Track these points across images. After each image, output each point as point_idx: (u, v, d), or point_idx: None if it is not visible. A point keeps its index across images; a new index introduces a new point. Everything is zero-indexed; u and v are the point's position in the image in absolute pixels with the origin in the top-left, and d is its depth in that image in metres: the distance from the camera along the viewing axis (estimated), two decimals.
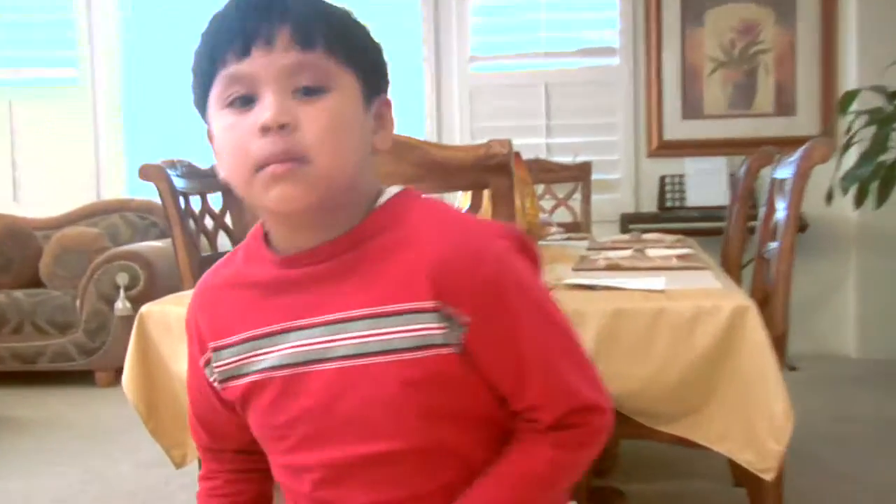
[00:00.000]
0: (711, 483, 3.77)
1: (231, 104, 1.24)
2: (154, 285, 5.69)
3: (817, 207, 5.17)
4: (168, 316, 2.54)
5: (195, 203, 3.33)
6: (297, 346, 1.30)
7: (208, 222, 3.43)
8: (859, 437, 4.44)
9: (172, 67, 6.65)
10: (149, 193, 3.61)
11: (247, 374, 1.35)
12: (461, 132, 6.61)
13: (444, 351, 1.25)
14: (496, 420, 1.35)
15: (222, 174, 1.31)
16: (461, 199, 3.07)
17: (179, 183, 3.21)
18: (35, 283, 6.21)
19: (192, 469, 3.02)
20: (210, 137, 1.34)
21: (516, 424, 1.34)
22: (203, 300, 1.44)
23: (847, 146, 4.72)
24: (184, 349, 2.47)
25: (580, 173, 5.39)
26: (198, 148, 3.33)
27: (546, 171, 5.15)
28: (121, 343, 5.46)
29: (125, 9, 6.87)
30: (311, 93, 1.21)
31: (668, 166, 6.50)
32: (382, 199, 1.32)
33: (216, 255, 3.39)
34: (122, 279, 5.79)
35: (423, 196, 1.37)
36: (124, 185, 6.84)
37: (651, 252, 3.44)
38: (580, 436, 1.33)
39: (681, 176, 6.42)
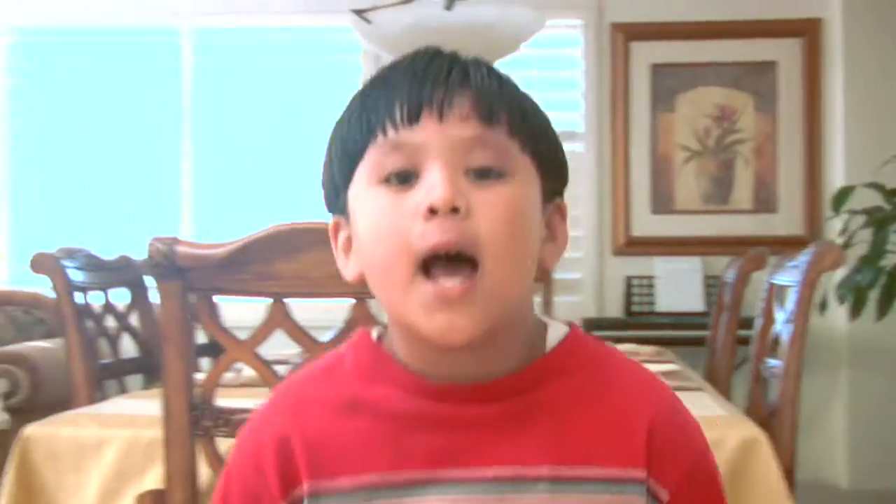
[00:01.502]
0: None
1: (387, 180, 1.11)
2: (39, 394, 5.42)
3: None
4: (57, 440, 2.41)
5: (95, 299, 3.20)
6: (446, 503, 1.12)
7: (110, 323, 3.29)
8: None
9: (71, 146, 6.64)
10: (35, 284, 3.42)
11: None
12: None
13: None
14: None
15: (359, 273, 1.18)
16: None
17: (77, 276, 3.08)
18: None
19: None
20: (337, 231, 1.23)
21: None
22: (302, 421, 1.18)
23: (843, 249, 4.64)
24: (74, 482, 2.35)
25: (539, 273, 5.26)
26: (98, 237, 3.26)
27: None
28: None
29: (14, 76, 6.79)
30: (487, 175, 1.10)
31: (636, 266, 6.44)
32: (556, 334, 1.20)
33: (117, 363, 3.24)
34: (0, 385, 5.55)
35: (590, 336, 1.24)
36: (6, 276, 6.67)
37: None
38: None
39: (650, 277, 6.35)
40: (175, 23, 6.62)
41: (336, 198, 1.19)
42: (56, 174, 6.72)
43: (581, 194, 6.44)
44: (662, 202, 6.48)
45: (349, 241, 1.19)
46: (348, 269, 1.19)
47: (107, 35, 6.68)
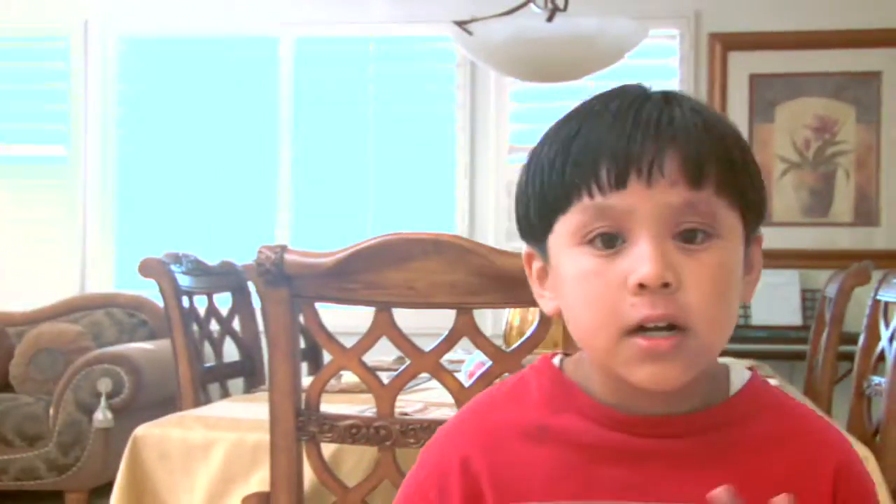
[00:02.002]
0: None
1: (591, 241, 1.09)
2: (141, 394, 5.46)
3: None
4: (168, 441, 2.44)
5: (202, 303, 3.25)
6: None
7: (214, 327, 3.33)
8: None
9: (174, 151, 6.71)
10: (139, 287, 3.43)
11: None
12: (496, 232, 6.53)
13: None
14: None
15: (556, 308, 1.18)
16: (512, 316, 2.92)
17: (184, 280, 3.12)
18: (3, 386, 6.04)
19: None
20: (530, 261, 1.22)
21: None
22: (487, 443, 1.17)
23: None
24: (182, 482, 2.38)
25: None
26: (198, 241, 3.28)
27: None
28: (98, 460, 5.35)
29: (124, 81, 6.84)
30: (695, 239, 1.07)
31: None
32: (739, 377, 1.19)
33: (221, 366, 3.28)
34: (104, 385, 5.54)
35: (764, 380, 1.23)
36: (112, 278, 6.70)
37: None
38: None
39: None
40: (275, 31, 6.67)
41: (531, 235, 1.18)
42: (161, 179, 6.78)
43: None
44: None
45: (544, 270, 1.19)
46: (545, 301, 1.20)
47: (211, 44, 6.75)
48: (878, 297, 3.12)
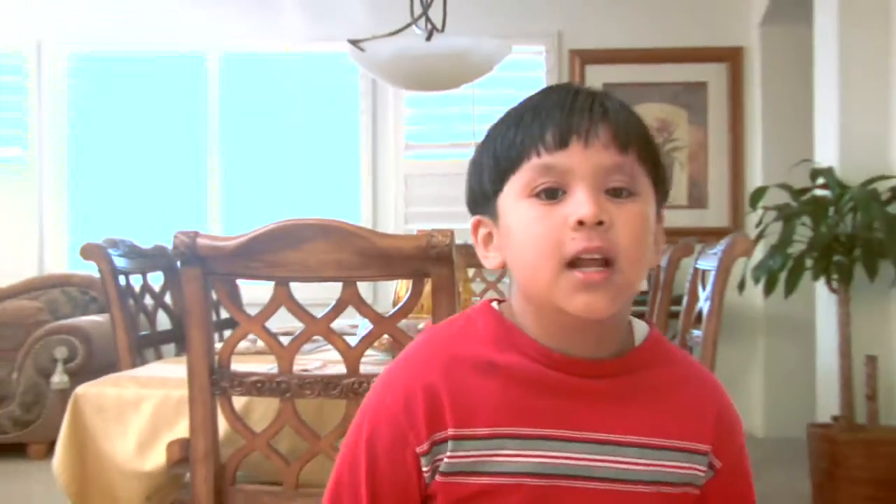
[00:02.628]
0: None
1: (537, 195, 1.15)
2: (92, 359, 5.50)
3: (729, 296, 5.11)
4: (104, 397, 2.42)
5: (137, 282, 3.22)
6: (557, 456, 1.17)
7: (148, 301, 3.30)
8: None
9: (117, 153, 6.69)
10: (91, 269, 3.41)
11: (486, 474, 1.17)
12: (396, 217, 6.57)
13: (694, 491, 1.23)
14: None
15: (501, 261, 1.22)
16: (399, 287, 2.93)
17: (120, 262, 3.10)
18: None
19: None
20: (477, 228, 1.26)
21: None
22: (451, 375, 1.19)
23: (758, 239, 4.67)
24: (120, 432, 2.37)
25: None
26: (137, 228, 3.28)
27: (476, 257, 5.04)
28: (56, 416, 5.20)
29: (74, 91, 6.79)
30: (621, 194, 1.14)
31: None
32: (641, 330, 1.26)
33: (154, 335, 3.26)
34: (60, 353, 5.58)
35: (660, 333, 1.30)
36: (66, 261, 6.64)
37: None
38: None
39: None
40: (203, 48, 6.65)
41: (484, 202, 1.23)
42: (106, 176, 6.76)
43: None
44: None
45: (489, 236, 1.23)
46: (489, 260, 1.23)
47: (148, 60, 6.70)
48: (697, 266, 3.18)
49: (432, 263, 1.94)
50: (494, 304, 1.26)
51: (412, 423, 1.18)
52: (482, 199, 1.23)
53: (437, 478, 1.18)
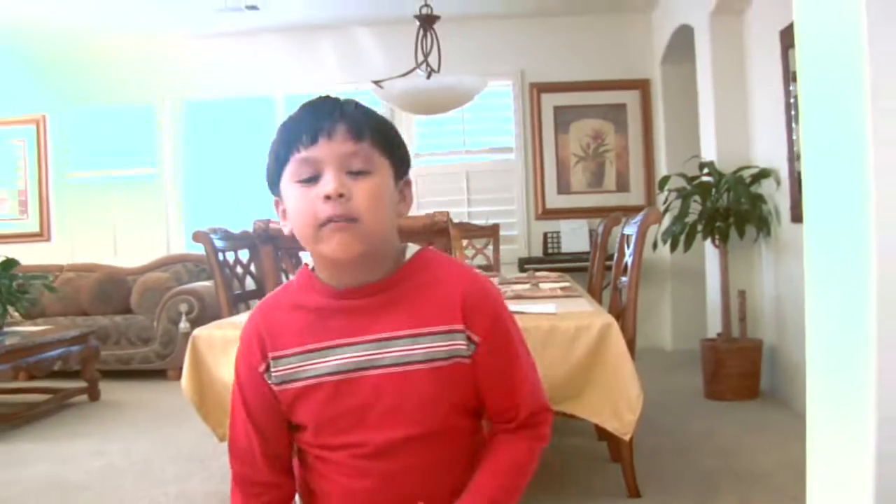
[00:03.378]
0: (583, 439, 3.67)
1: (301, 180, 1.14)
2: (205, 311, 5.55)
3: (646, 253, 5.13)
4: (213, 337, 2.44)
5: (231, 257, 3.21)
6: (348, 357, 1.17)
7: (239, 270, 3.30)
8: (678, 403, 4.42)
9: (215, 168, 6.61)
10: (200, 249, 3.43)
11: (302, 379, 1.19)
12: (414, 205, 6.44)
13: (465, 361, 1.18)
14: (474, 414, 1.27)
15: (291, 229, 1.20)
16: None
17: (219, 244, 3.09)
18: (127, 310, 6.08)
19: None
20: (277, 205, 1.23)
21: (493, 428, 1.26)
22: (266, 318, 1.24)
23: (665, 212, 4.66)
24: (225, 360, 2.37)
25: (491, 232, 5.31)
26: (231, 220, 3.27)
27: (468, 231, 5.06)
28: (183, 351, 5.29)
29: (187, 127, 6.77)
30: (360, 173, 1.13)
31: (549, 226, 6.42)
32: (410, 252, 1.23)
33: (244, 293, 3.25)
34: (183, 308, 5.67)
35: (433, 250, 1.28)
36: (184, 245, 6.61)
37: (543, 286, 3.33)
38: (540, 430, 1.27)
39: (557, 232, 6.32)
40: (271, 93, 6.61)
41: (274, 187, 1.21)
42: (209, 186, 6.73)
43: (514, 184, 6.44)
44: (563, 187, 6.44)
45: (284, 211, 1.21)
46: (285, 228, 1.21)
47: (233, 102, 6.67)
48: (623, 232, 3.17)
49: (435, 235, 1.93)
50: (308, 265, 1.26)
51: (252, 357, 1.23)
52: (273, 185, 1.22)
53: (275, 388, 1.21)
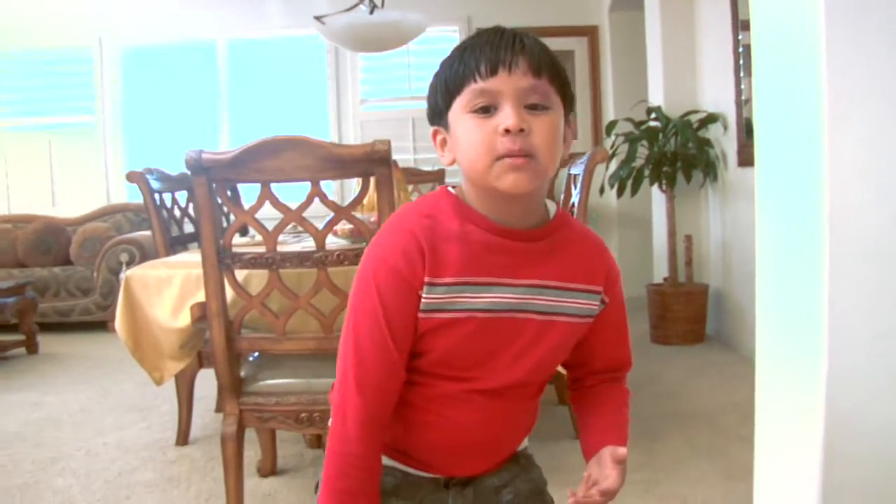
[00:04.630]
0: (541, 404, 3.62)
1: (476, 111, 1.08)
2: (146, 260, 5.32)
3: (592, 199, 5.11)
4: (147, 277, 2.33)
5: (168, 199, 3.09)
6: (503, 297, 1.12)
7: (177, 213, 3.18)
8: None
9: (155, 113, 6.44)
10: (142, 199, 3.28)
11: (452, 311, 1.11)
12: None
13: (590, 321, 1.20)
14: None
15: (453, 160, 1.14)
16: (355, 186, 2.83)
17: (155, 184, 2.96)
18: (67, 262, 5.95)
19: (169, 385, 2.86)
20: (435, 135, 1.17)
21: (589, 381, 1.30)
22: (428, 237, 1.11)
23: (611, 157, 4.62)
24: (159, 301, 2.27)
25: (437, 177, 5.21)
26: (170, 164, 3.13)
27: (415, 175, 4.96)
28: None
29: (126, 73, 6.54)
30: (538, 108, 1.08)
31: None
32: (552, 208, 1.19)
33: (181, 236, 3.13)
34: (124, 257, 5.55)
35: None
36: (125, 194, 6.42)
37: None
38: (625, 381, 1.32)
39: None
40: (214, 35, 6.41)
41: (438, 116, 1.15)
42: (147, 132, 6.54)
43: None
44: None
45: (444, 141, 1.15)
46: (445, 158, 1.15)
47: (175, 48, 6.47)
48: (570, 172, 3.10)
49: (376, 165, 1.84)
50: (451, 189, 1.18)
51: (412, 270, 1.10)
52: (437, 113, 1.15)
53: (420, 315, 1.12)
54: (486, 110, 1.07)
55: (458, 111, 1.10)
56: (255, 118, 6.46)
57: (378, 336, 1.11)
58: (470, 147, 1.08)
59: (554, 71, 1.09)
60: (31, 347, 4.96)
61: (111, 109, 6.50)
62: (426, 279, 1.10)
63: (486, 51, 1.07)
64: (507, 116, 1.05)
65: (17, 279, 5.15)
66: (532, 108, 1.07)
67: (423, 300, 1.10)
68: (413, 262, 1.10)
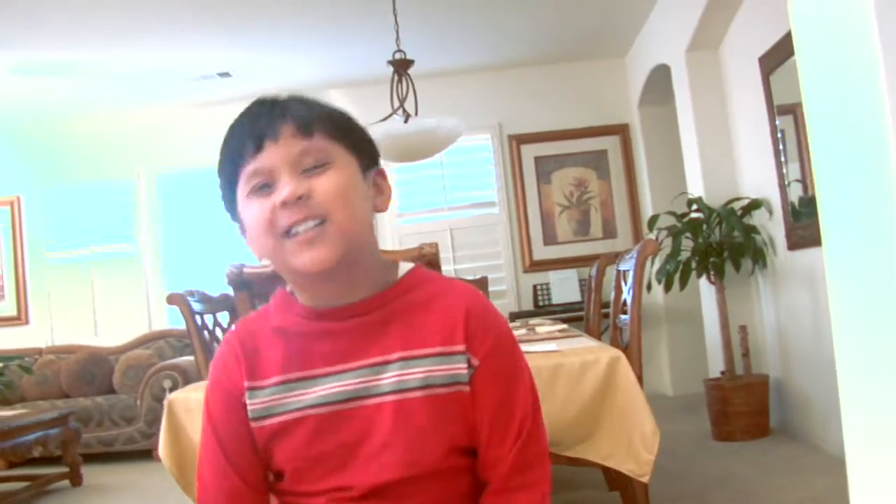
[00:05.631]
0: (594, 491, 3.48)
1: (255, 192, 1.00)
2: (188, 384, 5.33)
3: None
4: (190, 400, 2.25)
5: (210, 321, 3.03)
6: (336, 387, 1.00)
7: (218, 334, 3.11)
8: (686, 448, 4.22)
9: (193, 238, 6.52)
10: (183, 325, 3.24)
11: (282, 413, 1.02)
12: None
13: (464, 389, 1.01)
14: (473, 453, 1.07)
15: (255, 251, 1.05)
16: None
17: (196, 306, 2.91)
18: (110, 390, 5.90)
19: None
20: (242, 230, 1.08)
21: (488, 488, 1.05)
22: (243, 343, 1.07)
23: (655, 255, 4.54)
24: (200, 425, 2.18)
25: (480, 285, 5.13)
26: (214, 290, 3.10)
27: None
28: None
29: (163, 200, 6.65)
30: (317, 168, 0.98)
31: (538, 278, 6.26)
32: (403, 269, 1.08)
33: None
34: (167, 384, 5.48)
35: (429, 270, 1.12)
36: (167, 320, 6.43)
37: (539, 329, 3.16)
38: (538, 471, 1.05)
39: (547, 284, 6.16)
40: None
41: (232, 212, 1.08)
42: (188, 256, 6.58)
43: (500, 239, 6.30)
44: (550, 238, 6.31)
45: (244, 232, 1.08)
46: (256, 254, 1.07)
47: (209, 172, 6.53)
48: (619, 268, 3.01)
49: (425, 266, 1.76)
50: (287, 289, 1.11)
51: (231, 379, 1.06)
52: (231, 211, 1.08)
53: (251, 424, 1.04)
54: (267, 187, 0.99)
55: (242, 198, 1.03)
56: None
57: (216, 462, 1.06)
58: (254, 229, 1.02)
59: (328, 124, 1.01)
60: (76, 479, 4.86)
61: (149, 236, 6.58)
62: (245, 384, 1.04)
63: (248, 127, 1.01)
64: (282, 187, 0.98)
65: (61, 410, 5.10)
66: (311, 170, 0.99)
67: (248, 407, 1.03)
68: (231, 371, 1.05)
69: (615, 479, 3.30)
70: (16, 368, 4.98)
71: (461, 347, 1.01)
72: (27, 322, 6.59)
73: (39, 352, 6.22)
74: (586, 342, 2.54)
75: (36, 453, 4.69)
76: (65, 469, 4.87)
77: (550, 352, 2.23)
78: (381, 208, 1.05)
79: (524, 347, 2.41)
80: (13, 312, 6.60)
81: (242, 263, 1.80)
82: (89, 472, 5.07)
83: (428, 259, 1.75)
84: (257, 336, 1.07)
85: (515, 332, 3.17)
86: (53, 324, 6.56)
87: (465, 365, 1.00)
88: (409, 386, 0.99)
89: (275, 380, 1.02)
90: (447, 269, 6.07)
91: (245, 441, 1.04)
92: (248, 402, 1.03)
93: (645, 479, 2.18)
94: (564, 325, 3.41)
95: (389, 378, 0.99)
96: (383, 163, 4.18)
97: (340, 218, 0.97)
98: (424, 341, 1.01)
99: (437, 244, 1.77)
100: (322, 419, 1.00)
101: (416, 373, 0.99)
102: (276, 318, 1.07)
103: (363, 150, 1.05)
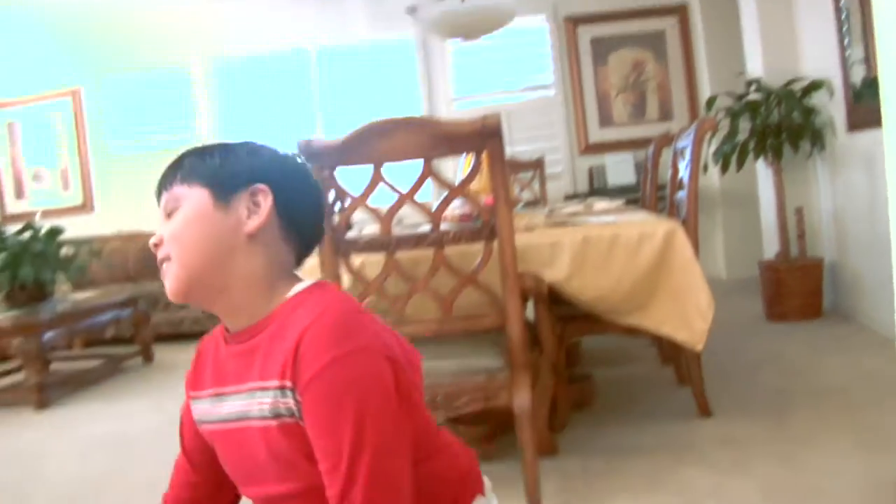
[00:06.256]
0: (647, 365, 3.58)
1: None
2: None
3: None
4: None
5: None
6: (232, 406, 1.08)
7: None
8: (740, 327, 4.29)
9: (251, 124, 6.56)
10: None
11: (206, 423, 1.13)
12: None
13: (297, 423, 0.99)
14: None
15: None
16: (464, 162, 2.82)
17: None
18: None
19: None
20: None
21: None
22: (197, 354, 1.19)
23: (714, 134, 4.49)
24: None
25: (536, 166, 5.16)
26: None
27: (512, 166, 4.92)
28: None
29: (221, 87, 6.67)
30: (171, 214, 1.07)
31: (594, 161, 6.25)
32: (292, 292, 1.06)
33: None
34: None
35: (330, 285, 1.10)
36: None
37: (597, 206, 3.21)
38: None
39: (603, 166, 6.16)
40: (306, 45, 6.48)
41: None
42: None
43: (556, 121, 6.27)
44: (605, 120, 6.26)
45: None
46: None
47: (267, 57, 6.57)
48: (676, 147, 3.02)
49: (487, 138, 1.81)
50: None
51: (187, 385, 1.19)
52: None
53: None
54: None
55: None
56: (350, 123, 6.51)
57: (180, 453, 1.21)
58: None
59: (184, 170, 1.08)
60: (147, 356, 5.13)
61: (207, 124, 6.64)
62: (190, 392, 1.16)
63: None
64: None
65: (131, 292, 5.33)
66: (170, 215, 1.07)
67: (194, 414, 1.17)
68: (188, 378, 1.17)
69: (668, 354, 3.40)
70: (85, 254, 5.18)
71: (283, 383, 0.99)
72: (92, 210, 6.80)
73: (106, 239, 6.43)
74: (643, 216, 2.58)
75: (109, 334, 4.92)
76: (137, 348, 5.15)
77: (608, 223, 2.29)
78: (251, 230, 1.06)
79: (584, 219, 2.47)
80: (79, 201, 6.81)
81: (312, 137, 1.86)
82: (160, 351, 5.34)
83: (491, 129, 1.79)
84: (207, 348, 1.17)
85: (572, 209, 3.23)
86: (119, 212, 6.75)
87: (290, 399, 0.99)
88: (265, 415, 1.02)
89: (205, 392, 1.13)
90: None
91: (198, 439, 1.18)
92: (193, 407, 1.17)
93: (699, 348, 2.25)
94: (621, 202, 3.45)
95: (255, 405, 1.03)
96: (435, 51, 4.18)
97: (180, 255, 1.06)
98: (271, 373, 1.01)
99: (499, 114, 1.80)
100: (217, 434, 1.11)
101: (267, 403, 1.02)
102: (217, 336, 1.16)
103: (220, 177, 1.08)
